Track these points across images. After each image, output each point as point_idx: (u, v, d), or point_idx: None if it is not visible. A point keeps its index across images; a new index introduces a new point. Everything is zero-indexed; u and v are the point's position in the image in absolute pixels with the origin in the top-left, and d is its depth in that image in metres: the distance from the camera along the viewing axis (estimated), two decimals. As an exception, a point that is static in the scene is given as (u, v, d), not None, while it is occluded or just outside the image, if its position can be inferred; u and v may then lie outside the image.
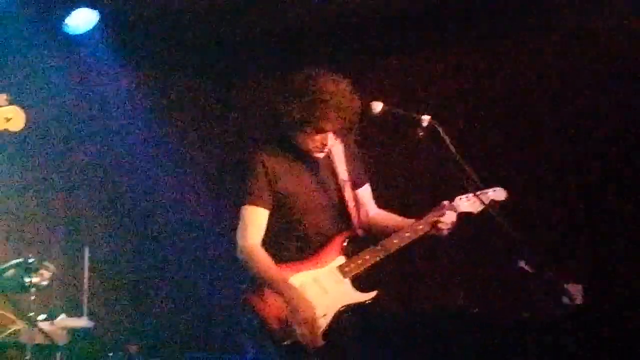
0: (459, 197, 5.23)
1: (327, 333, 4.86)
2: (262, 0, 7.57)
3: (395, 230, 5.15)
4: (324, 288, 4.98)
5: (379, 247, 5.06)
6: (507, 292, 6.74)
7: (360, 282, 5.05)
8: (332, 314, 4.92)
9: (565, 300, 5.04)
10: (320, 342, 4.76)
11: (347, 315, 5.00)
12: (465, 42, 7.72)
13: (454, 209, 5.16)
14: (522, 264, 5.45)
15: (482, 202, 5.15)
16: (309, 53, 7.84)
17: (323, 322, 4.85)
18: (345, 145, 5.27)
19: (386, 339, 6.45)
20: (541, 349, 6.27)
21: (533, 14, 7.29)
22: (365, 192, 5.40)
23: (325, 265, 5.02)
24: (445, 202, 5.18)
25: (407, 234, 5.09)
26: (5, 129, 4.50)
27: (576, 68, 7.26)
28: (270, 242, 5.06)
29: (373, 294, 5.01)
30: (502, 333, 6.57)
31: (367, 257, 5.02)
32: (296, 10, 7.60)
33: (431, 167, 6.99)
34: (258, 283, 4.95)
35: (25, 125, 4.52)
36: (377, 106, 4.85)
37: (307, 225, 5.11)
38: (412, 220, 5.20)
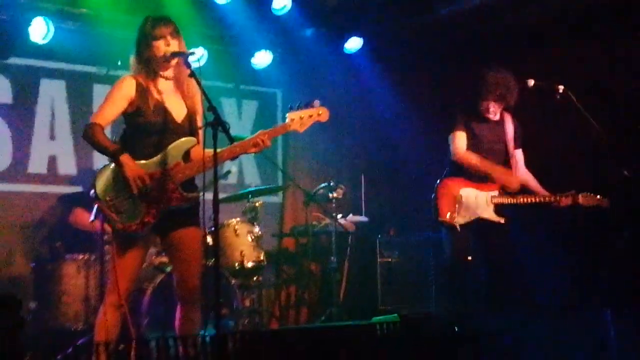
0: (581, 194, 5.91)
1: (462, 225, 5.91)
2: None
3: (531, 190, 6.03)
4: (477, 202, 5.97)
5: (518, 196, 5.98)
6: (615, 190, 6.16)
7: (498, 210, 5.99)
8: (472, 219, 5.96)
9: None
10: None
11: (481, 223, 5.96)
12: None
13: (575, 199, 5.93)
14: (624, 172, 5.74)
15: (593, 203, 5.93)
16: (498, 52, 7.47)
17: (465, 220, 5.94)
18: (512, 118, 6.17)
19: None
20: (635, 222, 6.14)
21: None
22: (519, 154, 6.19)
23: (486, 190, 5.99)
24: (573, 192, 5.91)
25: (537, 199, 5.97)
26: (317, 120, 4.77)
27: None
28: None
29: (502, 219, 5.97)
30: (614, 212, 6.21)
31: (509, 199, 5.96)
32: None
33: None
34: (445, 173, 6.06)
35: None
36: (531, 82, 5.84)
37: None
38: (544, 191, 6.01)
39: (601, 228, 6.61)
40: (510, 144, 6.15)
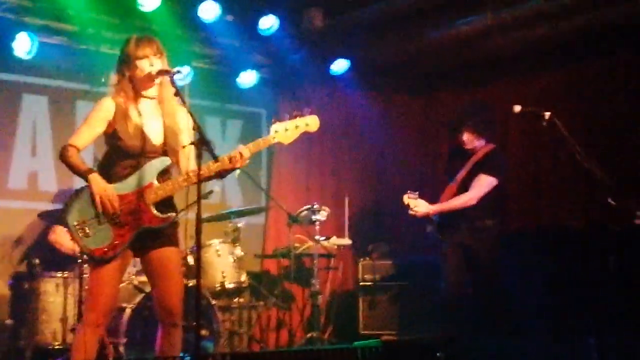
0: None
1: None
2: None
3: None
4: None
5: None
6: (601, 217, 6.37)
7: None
8: None
9: (637, 221, 5.80)
10: None
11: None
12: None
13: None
14: (609, 200, 5.53)
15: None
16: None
17: None
18: (485, 147, 6.27)
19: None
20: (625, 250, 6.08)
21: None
22: (477, 179, 6.22)
23: None
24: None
25: None
26: (305, 131, 4.57)
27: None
28: None
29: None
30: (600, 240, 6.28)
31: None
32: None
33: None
34: None
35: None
36: (517, 108, 5.66)
37: None
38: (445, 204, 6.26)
39: (587, 255, 6.63)
40: (463, 173, 6.24)
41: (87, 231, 4.35)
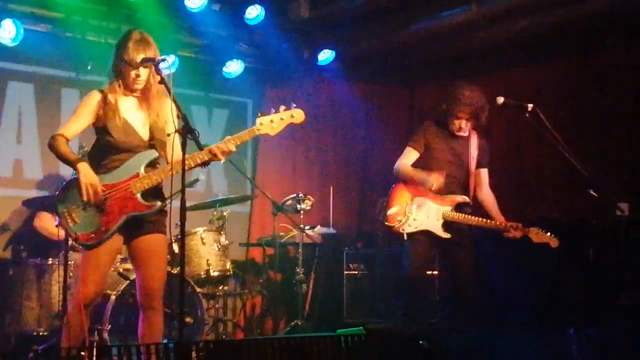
0: (532, 229, 5.83)
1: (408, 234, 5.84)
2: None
3: (489, 215, 5.96)
4: (427, 214, 5.91)
5: (471, 217, 5.90)
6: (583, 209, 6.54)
7: (447, 227, 5.90)
8: (418, 230, 5.88)
9: (618, 212, 5.77)
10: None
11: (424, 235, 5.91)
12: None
13: (525, 232, 5.88)
14: (590, 191, 5.65)
15: (542, 240, 5.83)
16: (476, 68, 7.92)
17: (411, 229, 5.87)
18: (478, 136, 6.10)
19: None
20: (604, 243, 6.23)
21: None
22: (484, 173, 6.13)
23: (439, 204, 5.91)
24: (520, 225, 5.85)
25: (489, 223, 5.89)
26: (291, 123, 4.61)
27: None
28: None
29: (448, 235, 5.90)
30: (579, 233, 6.46)
31: (462, 216, 5.88)
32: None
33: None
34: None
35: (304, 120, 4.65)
36: (500, 100, 5.72)
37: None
38: (500, 217, 5.93)
39: (566, 248, 6.45)
40: (472, 162, 6.09)
41: (74, 218, 4.47)
